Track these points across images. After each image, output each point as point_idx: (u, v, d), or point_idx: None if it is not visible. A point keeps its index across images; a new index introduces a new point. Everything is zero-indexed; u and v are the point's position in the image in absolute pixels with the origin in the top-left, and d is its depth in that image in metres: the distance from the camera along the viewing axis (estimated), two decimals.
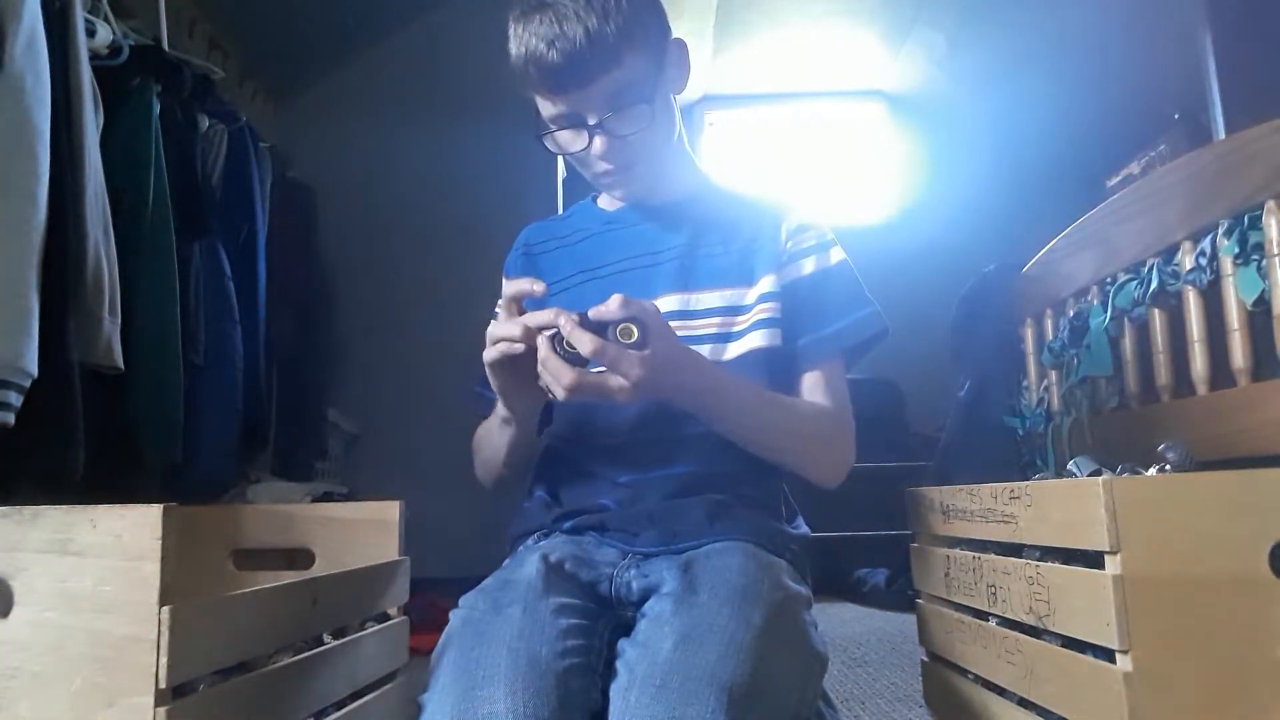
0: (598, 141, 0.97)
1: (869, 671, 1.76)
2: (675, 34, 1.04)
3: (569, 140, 1.00)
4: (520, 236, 1.16)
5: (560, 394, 0.85)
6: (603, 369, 0.85)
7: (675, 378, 0.89)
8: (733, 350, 1.00)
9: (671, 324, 1.00)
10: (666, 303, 1.01)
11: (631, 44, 0.93)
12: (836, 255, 1.05)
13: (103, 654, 0.66)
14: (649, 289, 1.02)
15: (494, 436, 1.04)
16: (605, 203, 1.13)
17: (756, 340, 1.00)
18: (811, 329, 1.01)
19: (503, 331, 0.89)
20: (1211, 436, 1.43)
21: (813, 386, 1.01)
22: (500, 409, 0.99)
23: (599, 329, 0.85)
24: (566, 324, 0.84)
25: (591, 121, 0.96)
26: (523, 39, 0.93)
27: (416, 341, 3.12)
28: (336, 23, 3.07)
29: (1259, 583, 0.82)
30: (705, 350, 0.99)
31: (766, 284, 1.01)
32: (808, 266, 1.04)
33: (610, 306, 0.85)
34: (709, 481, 0.96)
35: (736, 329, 1.01)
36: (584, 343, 0.83)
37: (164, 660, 0.65)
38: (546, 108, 0.98)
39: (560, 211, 1.60)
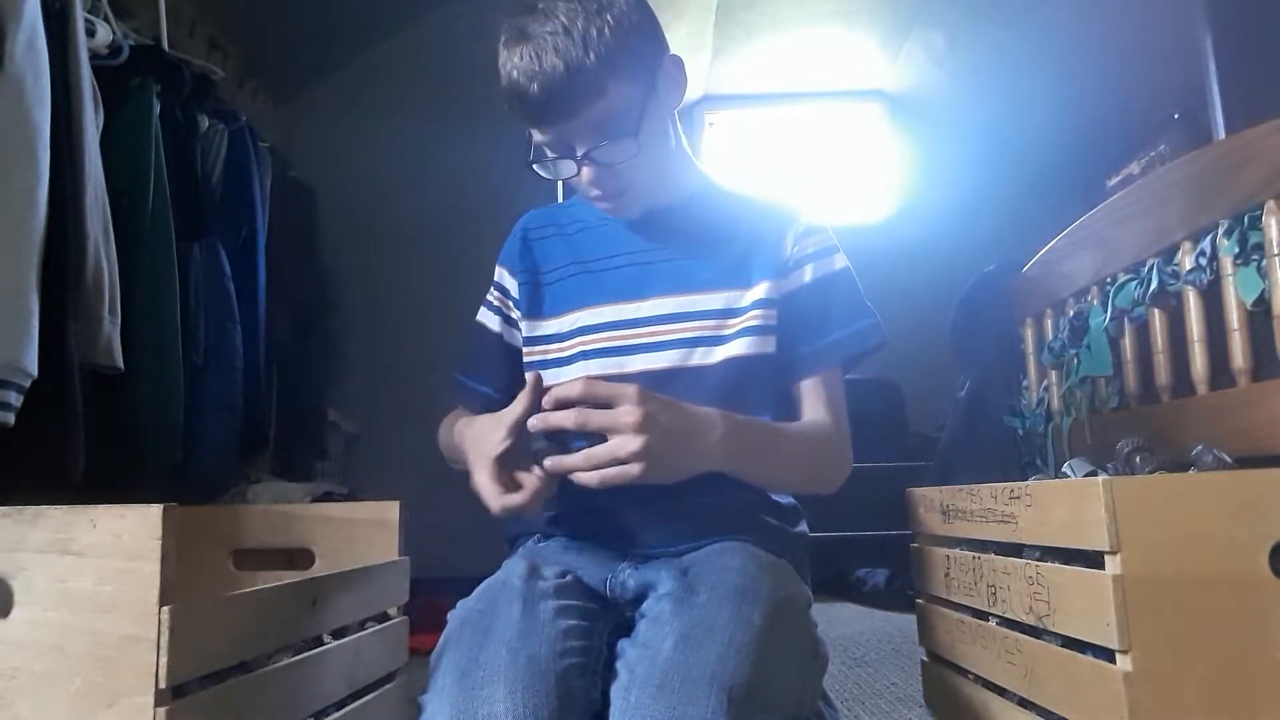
0: (585, 171, 0.96)
1: (869, 671, 1.76)
2: (675, 36, 1.02)
3: (560, 167, 0.98)
4: (520, 222, 1.14)
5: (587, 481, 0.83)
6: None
7: (682, 442, 0.86)
8: (717, 355, 0.99)
9: (663, 327, 0.99)
10: (660, 304, 1.00)
11: (615, 72, 0.91)
12: (839, 262, 1.04)
13: (103, 654, 0.66)
14: (643, 288, 1.01)
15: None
16: None
17: (741, 348, 0.98)
18: (812, 338, 1.00)
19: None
20: (1211, 436, 1.43)
21: (811, 395, 1.00)
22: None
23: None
24: (538, 423, 0.83)
25: (579, 152, 0.95)
26: (506, 70, 0.92)
27: (416, 342, 3.11)
28: (337, 23, 3.07)
29: (1259, 583, 0.82)
30: (691, 354, 0.98)
31: (762, 290, 1.00)
32: (809, 274, 1.02)
33: (573, 389, 0.82)
34: (706, 480, 0.96)
35: (725, 333, 0.99)
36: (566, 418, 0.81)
37: (164, 660, 0.65)
38: (536, 135, 0.97)
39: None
